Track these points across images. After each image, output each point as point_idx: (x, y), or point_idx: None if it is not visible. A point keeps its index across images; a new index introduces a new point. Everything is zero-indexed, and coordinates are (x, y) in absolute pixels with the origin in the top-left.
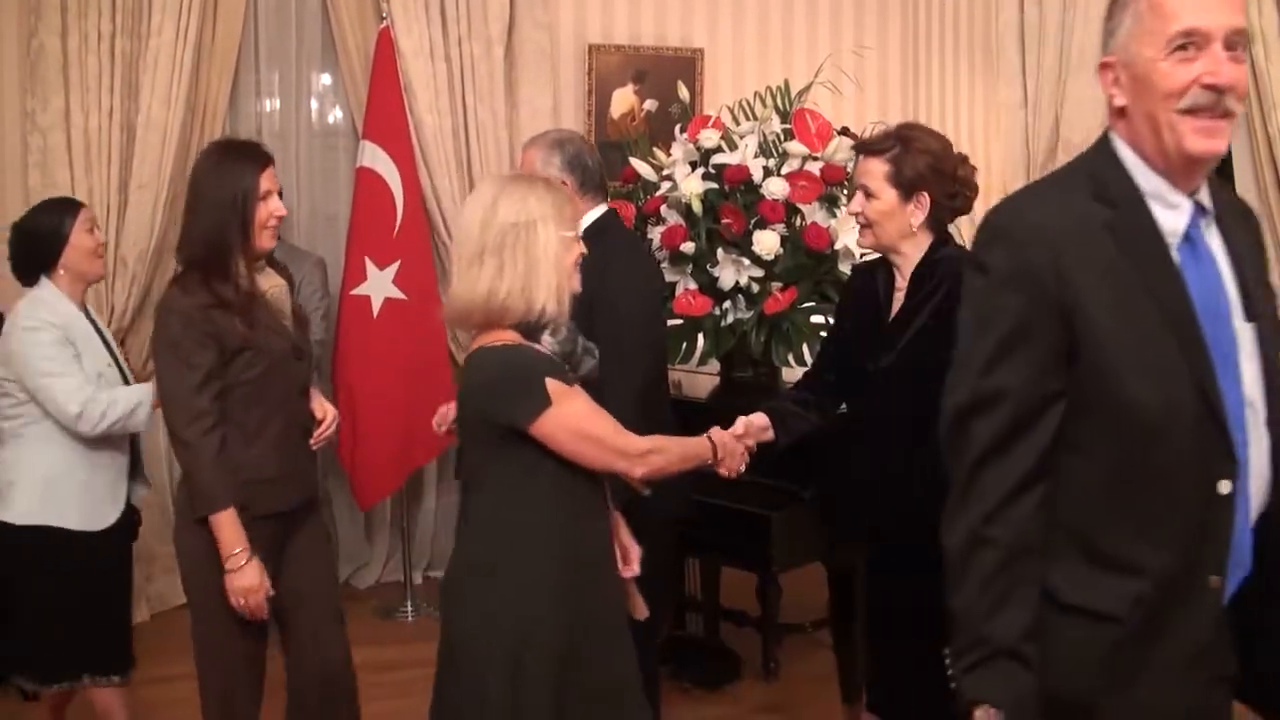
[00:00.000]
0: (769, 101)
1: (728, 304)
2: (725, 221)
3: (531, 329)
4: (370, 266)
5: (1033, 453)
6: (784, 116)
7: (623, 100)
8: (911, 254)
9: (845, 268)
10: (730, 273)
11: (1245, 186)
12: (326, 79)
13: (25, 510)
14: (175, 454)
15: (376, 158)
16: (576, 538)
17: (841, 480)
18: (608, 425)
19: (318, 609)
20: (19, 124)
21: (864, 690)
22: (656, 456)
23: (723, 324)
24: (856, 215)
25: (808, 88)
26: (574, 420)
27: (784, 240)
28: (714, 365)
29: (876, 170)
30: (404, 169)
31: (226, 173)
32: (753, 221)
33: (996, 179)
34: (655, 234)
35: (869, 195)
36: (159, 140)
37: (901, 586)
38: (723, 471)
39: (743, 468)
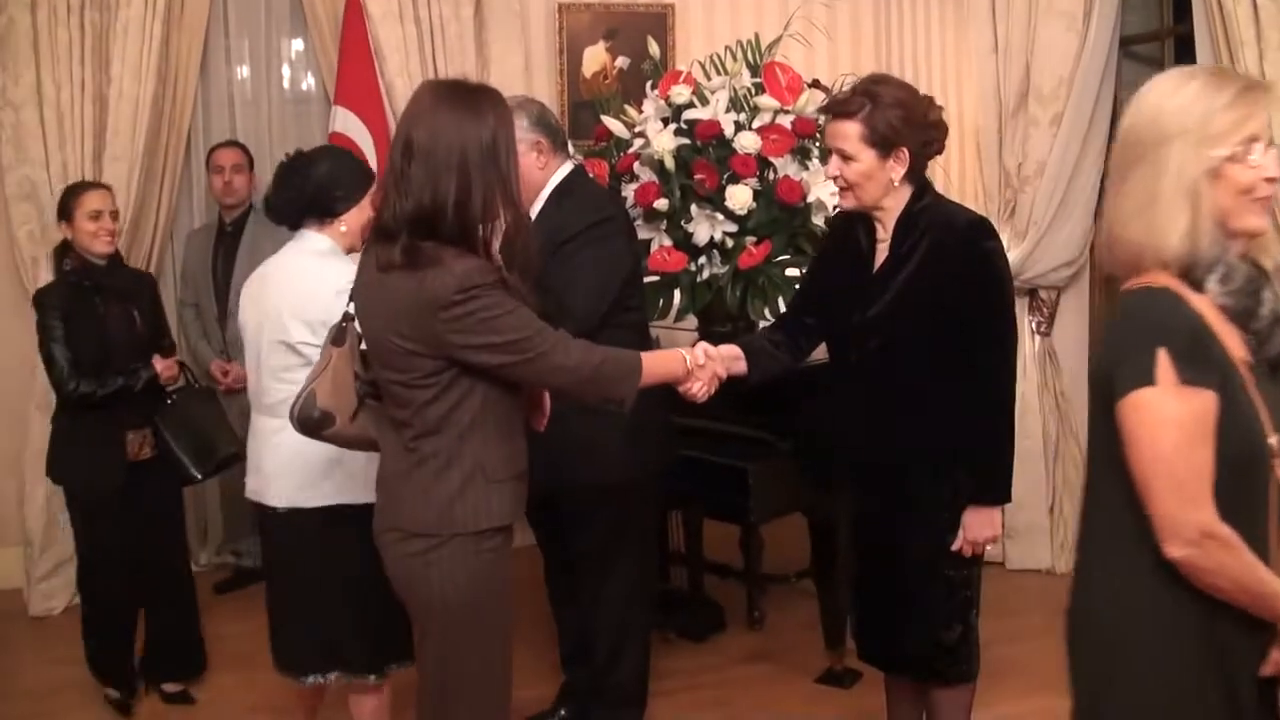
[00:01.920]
0: (739, 55)
1: (703, 259)
2: (698, 177)
3: (1192, 271)
4: None
5: None
6: (754, 70)
7: (594, 58)
8: (893, 207)
9: (819, 220)
10: (704, 228)
11: None
12: (297, 45)
13: (357, 489)
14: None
15: (349, 123)
16: None
17: (821, 428)
18: (1190, 475)
19: None
20: None
21: (847, 637)
22: (1216, 547)
23: (698, 280)
24: (835, 179)
25: (778, 40)
26: (1159, 432)
27: (757, 194)
28: (691, 321)
29: (851, 132)
30: (376, 133)
31: (473, 118)
32: (725, 176)
33: (969, 125)
34: (629, 191)
35: (846, 158)
36: (131, 111)
37: (888, 527)
38: (694, 389)
39: (710, 390)
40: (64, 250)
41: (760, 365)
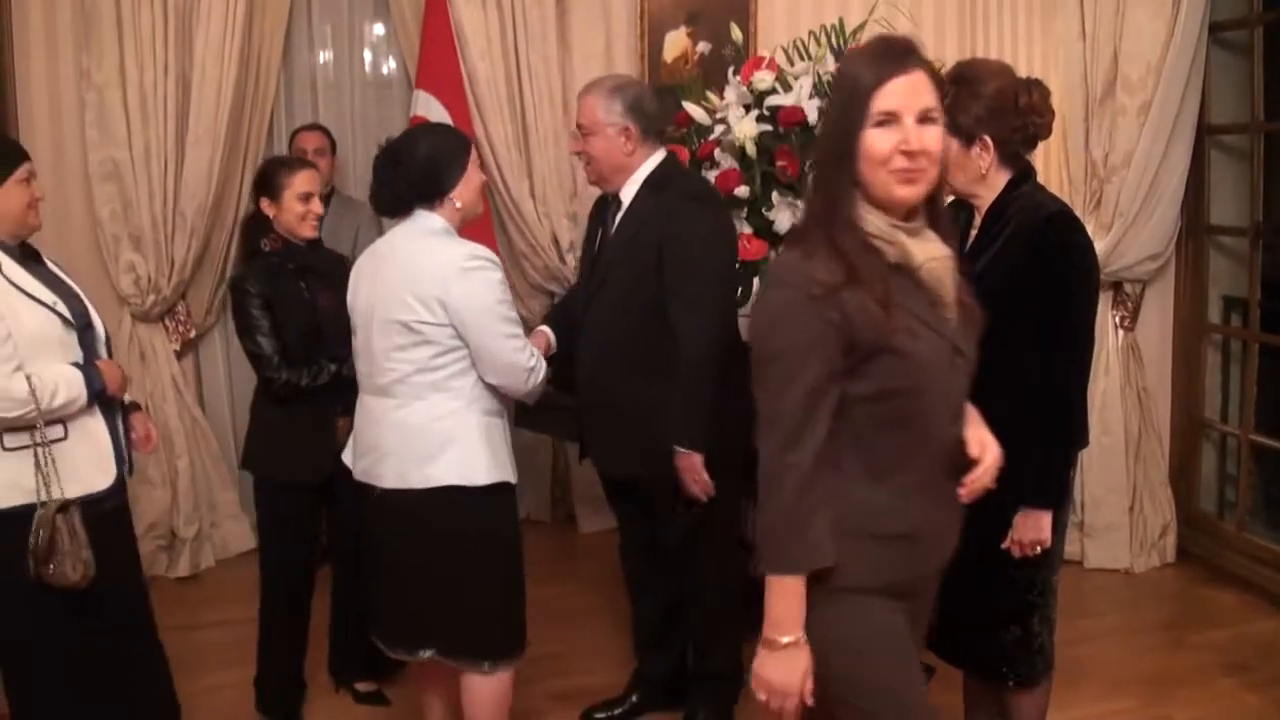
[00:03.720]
0: (823, 41)
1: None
2: (780, 164)
3: None
4: None
5: None
6: (838, 56)
7: (676, 43)
8: (987, 195)
9: None
10: (785, 216)
11: None
12: (379, 29)
13: (489, 466)
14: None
15: (430, 106)
16: None
17: None
18: None
19: None
20: (75, 81)
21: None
22: None
23: None
24: None
25: (862, 26)
26: None
27: None
28: None
29: None
30: (457, 117)
31: (845, 78)
32: (807, 164)
33: (1055, 114)
34: (710, 178)
35: None
36: (214, 94)
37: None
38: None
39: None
40: (257, 227)
41: None
